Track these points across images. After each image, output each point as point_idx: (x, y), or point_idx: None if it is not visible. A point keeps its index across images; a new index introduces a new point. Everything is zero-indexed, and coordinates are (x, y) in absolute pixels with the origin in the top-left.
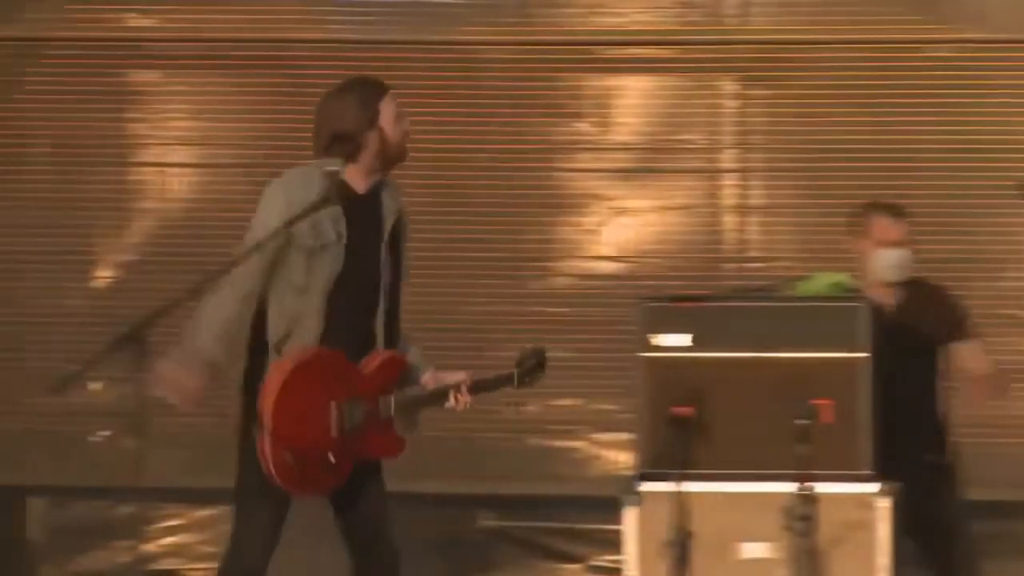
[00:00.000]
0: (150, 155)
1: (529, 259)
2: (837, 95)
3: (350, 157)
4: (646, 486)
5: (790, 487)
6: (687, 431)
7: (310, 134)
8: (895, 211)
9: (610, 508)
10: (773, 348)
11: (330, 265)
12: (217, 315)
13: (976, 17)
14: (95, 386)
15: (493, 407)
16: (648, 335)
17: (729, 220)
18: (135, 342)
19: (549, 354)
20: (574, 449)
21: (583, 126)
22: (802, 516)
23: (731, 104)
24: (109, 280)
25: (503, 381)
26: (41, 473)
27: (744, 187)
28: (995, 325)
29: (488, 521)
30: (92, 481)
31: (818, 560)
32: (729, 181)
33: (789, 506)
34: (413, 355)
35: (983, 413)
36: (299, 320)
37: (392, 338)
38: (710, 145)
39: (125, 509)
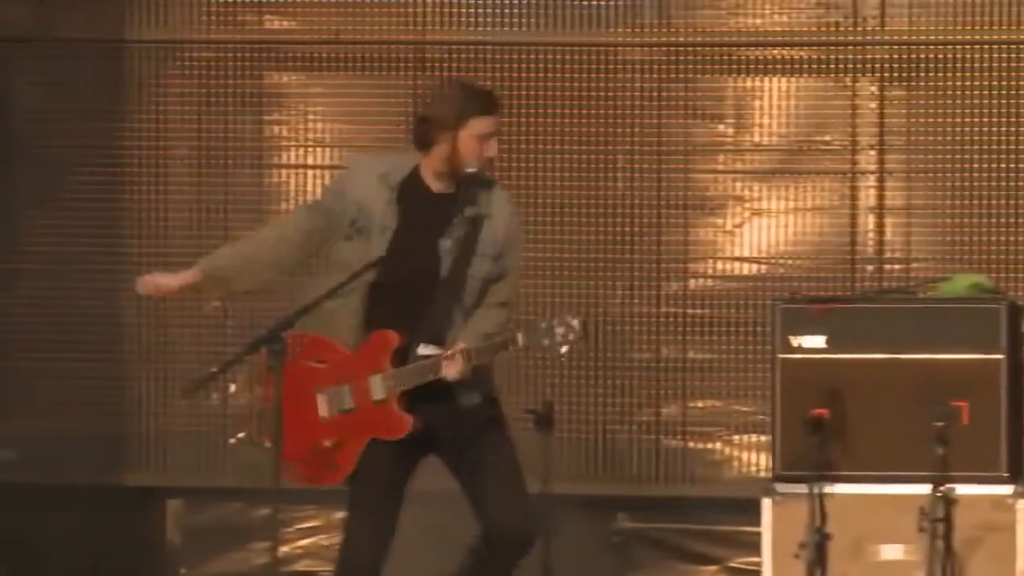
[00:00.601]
0: (289, 157)
1: (668, 260)
2: (975, 95)
3: (421, 147)
4: (783, 488)
5: (927, 489)
6: (823, 433)
7: None
8: None
9: (747, 510)
10: (910, 349)
11: (373, 250)
12: (239, 241)
13: None
14: (232, 388)
15: (627, 409)
16: (785, 336)
17: (867, 221)
18: (272, 344)
19: (689, 356)
20: (711, 451)
21: (722, 127)
22: (939, 518)
23: (869, 105)
24: None
25: (502, 345)
26: (179, 474)
27: (882, 188)
28: None
29: (625, 523)
30: (229, 482)
31: (955, 562)
32: (867, 182)
33: (926, 508)
34: (460, 333)
35: None
36: (342, 299)
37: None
38: (848, 146)
39: (262, 510)
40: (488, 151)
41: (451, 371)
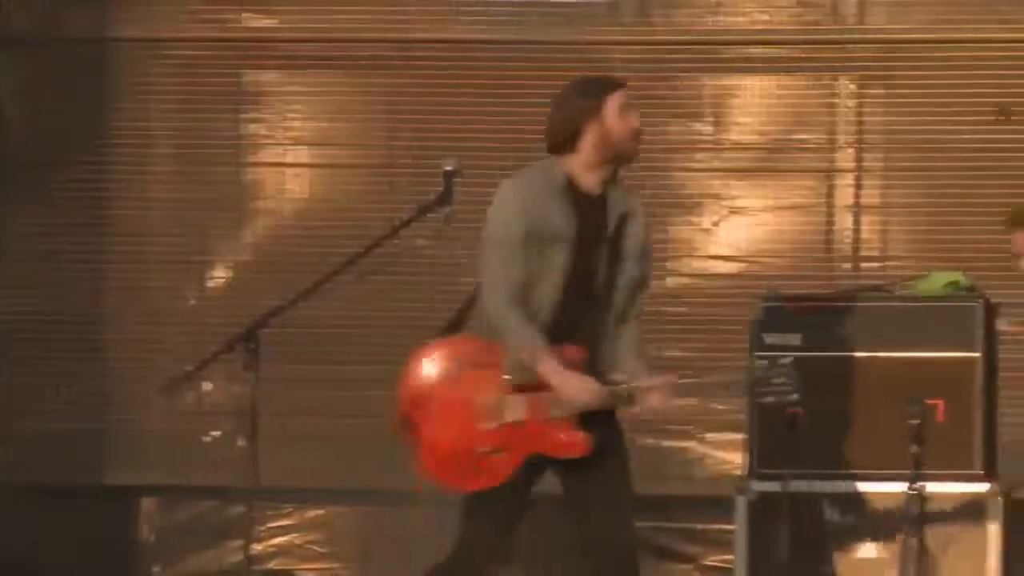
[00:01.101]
0: (268, 156)
1: None
2: (954, 94)
3: (570, 148)
4: (757, 486)
5: (902, 487)
6: (799, 431)
7: (430, 134)
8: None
9: (722, 508)
10: (886, 348)
11: (560, 258)
12: (520, 322)
13: None
14: (207, 386)
15: None
16: (762, 334)
17: (845, 220)
18: (248, 343)
19: (666, 354)
20: (687, 449)
21: (701, 125)
22: (913, 516)
23: (848, 103)
24: (225, 280)
25: (724, 386)
26: (153, 473)
27: (860, 187)
28: None
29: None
30: (203, 481)
31: (928, 560)
32: (845, 181)
33: (900, 506)
34: (619, 349)
35: None
36: (533, 314)
37: (619, 339)
38: (827, 144)
39: (236, 509)
40: (633, 121)
41: (657, 402)
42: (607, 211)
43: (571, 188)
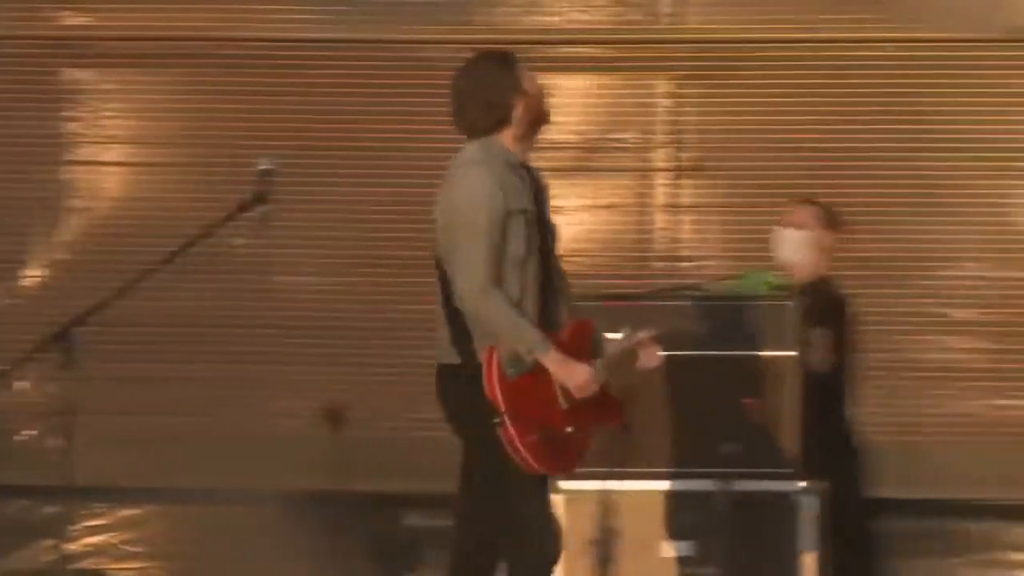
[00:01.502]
0: (85, 154)
1: None
2: (769, 95)
3: (503, 124)
4: (573, 485)
5: (714, 485)
6: (613, 429)
7: (247, 133)
8: (808, 200)
9: None
10: (702, 346)
11: (535, 237)
12: (514, 314)
13: (910, 16)
14: (23, 385)
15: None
16: None
17: (661, 219)
18: (64, 342)
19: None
20: None
21: None
22: (725, 514)
23: (664, 103)
24: (41, 279)
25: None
26: None
27: (676, 186)
28: (926, 324)
29: (416, 520)
30: (18, 480)
31: (740, 558)
32: (661, 180)
33: (713, 504)
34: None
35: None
36: (524, 293)
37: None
38: (643, 144)
39: (50, 508)
40: (539, 84)
41: (653, 360)
42: (538, 182)
43: (520, 163)
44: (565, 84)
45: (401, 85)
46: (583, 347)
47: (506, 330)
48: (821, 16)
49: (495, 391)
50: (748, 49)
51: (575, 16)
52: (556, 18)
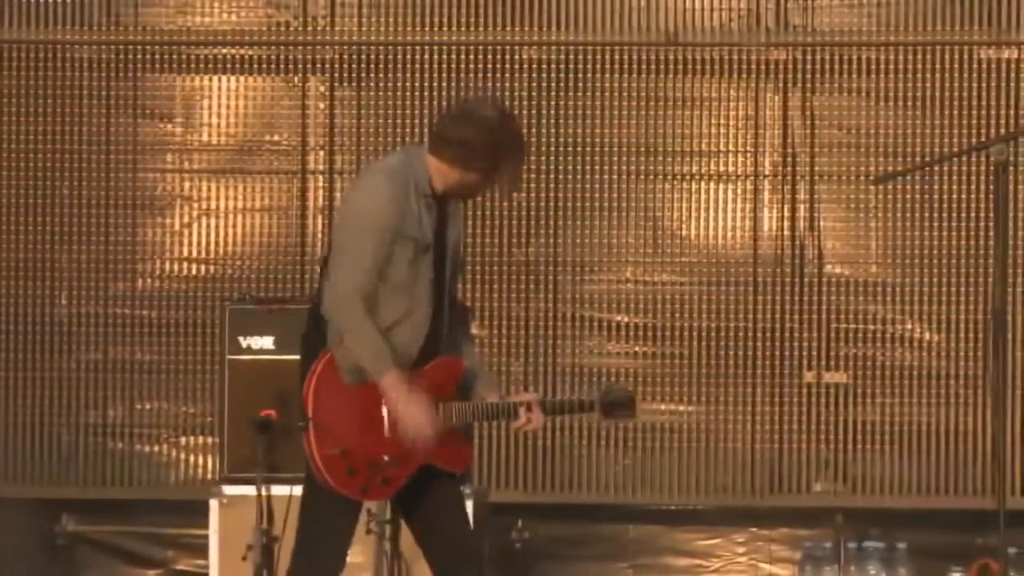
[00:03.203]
0: None
1: (115, 260)
2: (419, 96)
3: (452, 163)
4: (230, 490)
5: None
6: (271, 434)
7: None
8: None
9: (195, 512)
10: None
11: (427, 268)
12: (373, 330)
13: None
14: None
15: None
16: (234, 337)
17: (317, 222)
18: None
19: (137, 357)
20: (158, 453)
21: (170, 126)
22: (387, 520)
23: (319, 105)
24: None
25: (584, 406)
26: None
27: (331, 188)
28: (581, 328)
29: (70, 525)
30: None
31: (403, 563)
32: (317, 182)
33: (374, 510)
34: (470, 358)
35: None
36: (402, 320)
37: (460, 348)
38: (298, 146)
39: None
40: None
41: (536, 423)
42: (445, 210)
43: (431, 189)
44: (218, 86)
45: (52, 87)
46: (444, 385)
47: (355, 341)
48: (463, 20)
49: (307, 395)
50: (400, 51)
51: (227, 17)
52: (208, 19)
